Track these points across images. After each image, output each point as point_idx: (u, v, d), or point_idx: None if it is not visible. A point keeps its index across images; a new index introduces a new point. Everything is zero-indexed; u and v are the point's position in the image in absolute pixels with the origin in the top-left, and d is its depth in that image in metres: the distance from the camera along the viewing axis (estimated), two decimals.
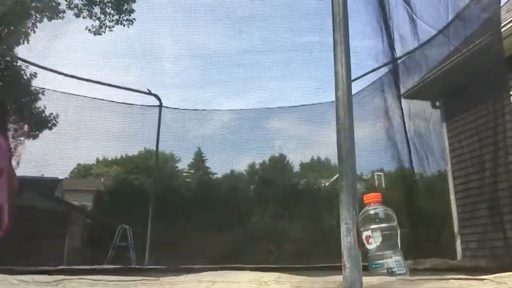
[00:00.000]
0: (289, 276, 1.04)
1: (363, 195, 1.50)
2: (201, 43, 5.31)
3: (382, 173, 7.80)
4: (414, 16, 3.72)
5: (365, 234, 1.44)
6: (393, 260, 1.38)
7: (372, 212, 1.47)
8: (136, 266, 4.41)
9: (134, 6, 6.99)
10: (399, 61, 4.28)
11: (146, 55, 5.31)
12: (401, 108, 4.44)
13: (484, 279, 0.97)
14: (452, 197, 5.49)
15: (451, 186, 5.60)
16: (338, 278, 1.01)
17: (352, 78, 1.09)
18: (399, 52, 4.15)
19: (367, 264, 1.42)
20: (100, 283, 0.92)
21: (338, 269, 1.01)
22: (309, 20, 4.89)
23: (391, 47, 4.09)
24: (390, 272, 1.36)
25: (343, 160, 1.06)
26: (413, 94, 4.98)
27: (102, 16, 7.62)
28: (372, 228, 1.43)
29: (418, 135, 4.43)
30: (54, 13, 6.34)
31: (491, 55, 2.99)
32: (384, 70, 4.58)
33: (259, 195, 8.12)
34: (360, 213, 1.48)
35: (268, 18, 4.81)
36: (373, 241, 1.42)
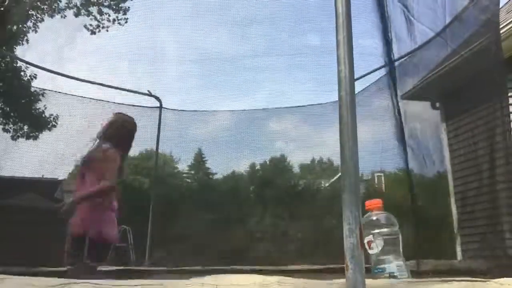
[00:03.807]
0: (292, 278, 1.04)
1: (365, 202, 1.53)
2: (202, 43, 5.31)
3: (382, 174, 7.80)
4: (412, 18, 3.71)
5: (367, 239, 1.46)
6: (395, 264, 1.39)
7: (374, 217, 1.49)
8: (136, 268, 4.41)
9: (135, 6, 6.99)
10: (396, 63, 4.28)
11: (147, 56, 5.30)
12: (399, 109, 4.46)
13: (488, 280, 0.97)
14: (452, 197, 5.48)
15: (451, 186, 5.60)
16: (342, 280, 1.00)
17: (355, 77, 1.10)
18: (396, 54, 4.16)
19: (371, 267, 1.44)
20: (104, 287, 0.92)
21: (341, 271, 1.01)
22: (312, 20, 4.88)
23: (389, 49, 4.09)
24: (392, 277, 1.38)
25: (345, 159, 1.06)
26: (412, 95, 4.99)
27: (98, 15, 7.61)
28: (374, 233, 1.45)
29: (414, 137, 4.44)
30: (54, 11, 6.34)
31: (490, 56, 2.99)
32: (384, 71, 4.59)
33: (259, 196, 8.11)
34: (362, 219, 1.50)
35: (271, 20, 4.80)
36: (375, 246, 1.43)
